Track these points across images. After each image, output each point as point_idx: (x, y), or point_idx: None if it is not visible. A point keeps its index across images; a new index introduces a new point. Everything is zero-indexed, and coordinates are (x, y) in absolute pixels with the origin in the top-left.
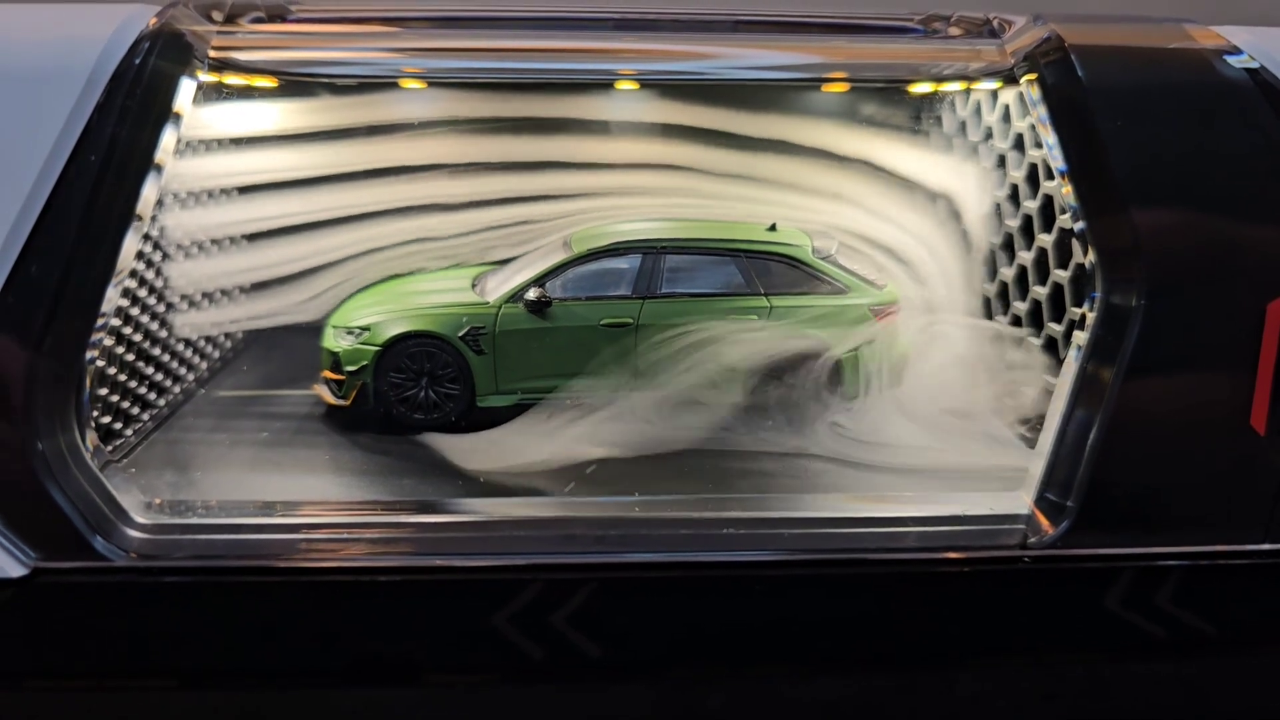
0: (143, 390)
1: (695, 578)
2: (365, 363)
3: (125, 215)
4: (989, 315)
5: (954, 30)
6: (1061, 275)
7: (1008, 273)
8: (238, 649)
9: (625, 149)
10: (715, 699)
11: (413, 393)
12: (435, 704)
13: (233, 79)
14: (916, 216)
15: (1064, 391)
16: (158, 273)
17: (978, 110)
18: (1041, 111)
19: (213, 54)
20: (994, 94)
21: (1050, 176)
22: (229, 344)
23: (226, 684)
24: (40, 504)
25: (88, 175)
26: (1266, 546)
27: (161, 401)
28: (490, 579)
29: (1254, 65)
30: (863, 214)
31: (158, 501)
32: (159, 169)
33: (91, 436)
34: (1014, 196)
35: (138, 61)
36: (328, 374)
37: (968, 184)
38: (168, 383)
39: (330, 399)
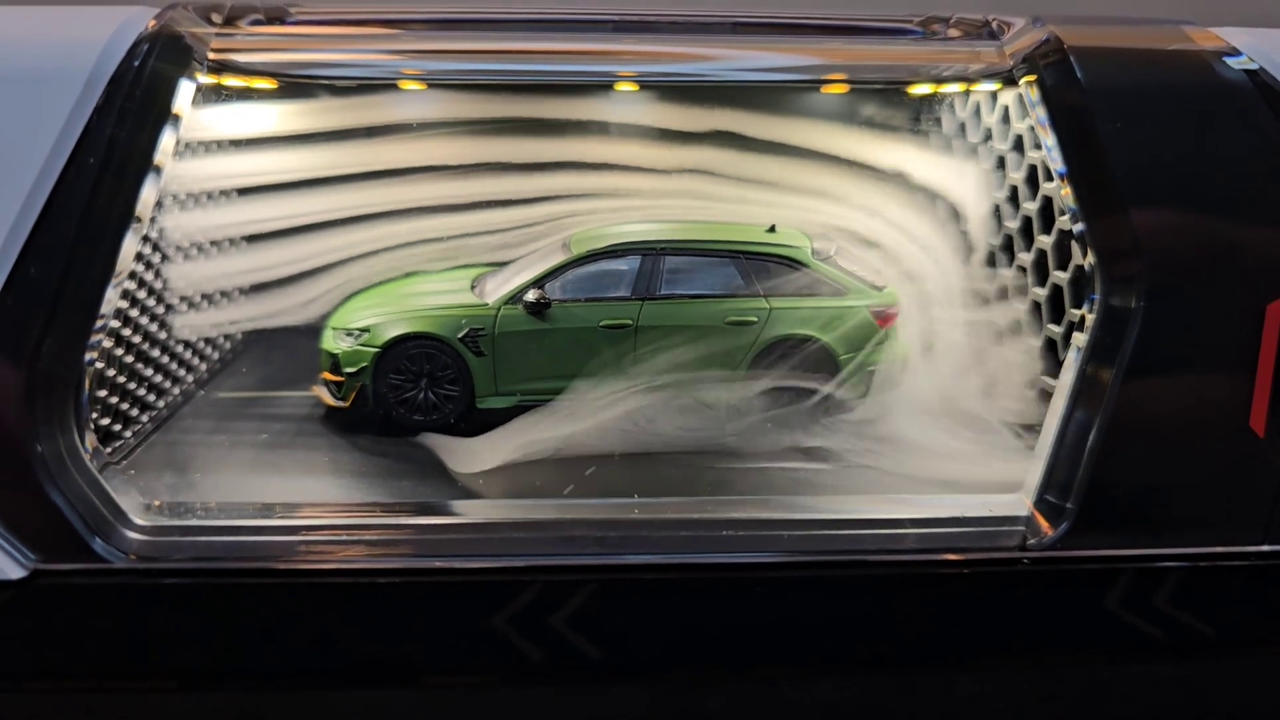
0: (142, 392)
1: (694, 579)
2: (364, 364)
3: (124, 217)
4: (988, 317)
5: (953, 32)
6: (1061, 277)
7: (1007, 274)
8: (237, 651)
9: (624, 151)
10: (715, 701)
11: (412, 394)
12: (434, 706)
13: (232, 81)
14: (916, 218)
15: (1063, 393)
16: (157, 274)
17: (977, 112)
18: (1040, 113)
19: (212, 56)
20: (993, 96)
21: (1049, 178)
22: (228, 345)
23: (226, 685)
24: (39, 506)
25: (87, 177)
26: (1266, 548)
27: (161, 403)
28: (489, 581)
29: (1253, 67)
30: (862, 215)
31: (157, 503)
32: (158, 170)
33: (90, 438)
34: (1013, 198)
35: (137, 63)
36: (327, 375)
37: (967, 186)
38: (167, 384)
39: (329, 400)
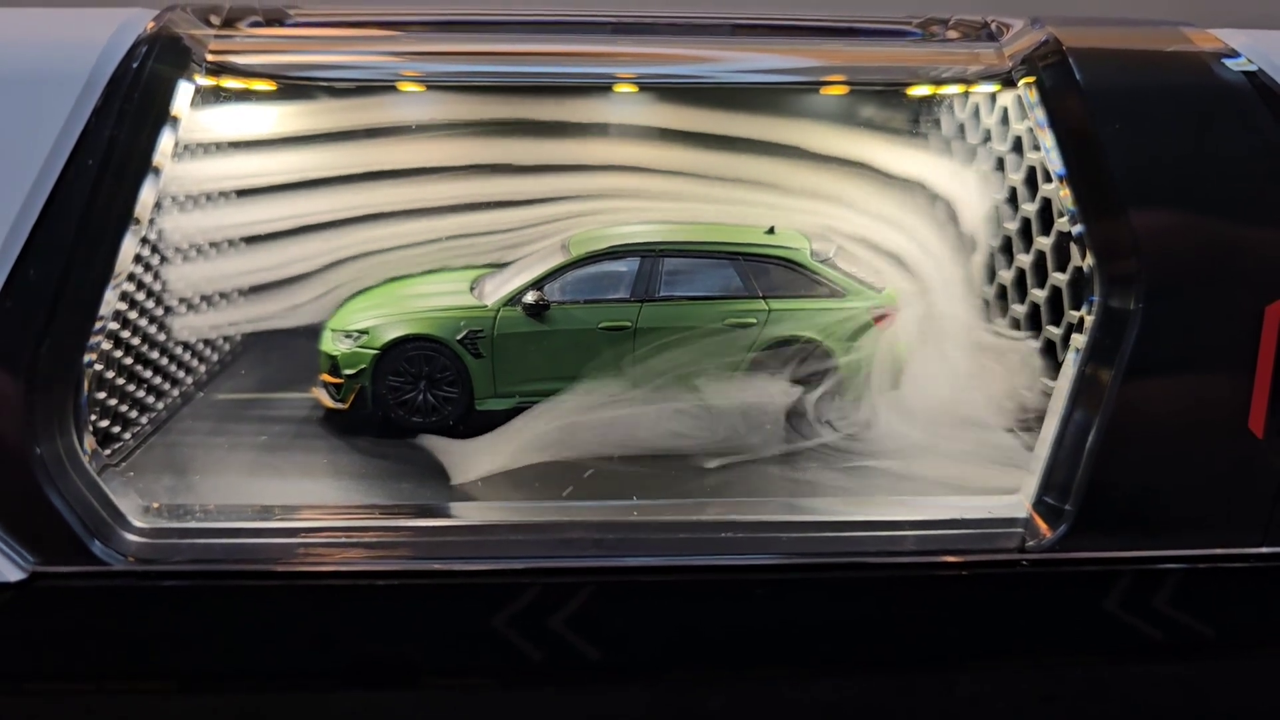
0: (141, 394)
1: (694, 581)
2: (363, 366)
3: (123, 218)
4: (987, 318)
5: (952, 33)
6: (1060, 278)
7: (1006, 275)
8: (236, 653)
9: (624, 152)
10: (714, 702)
11: (411, 396)
12: (433, 707)
13: (230, 82)
14: (915, 219)
15: (1062, 395)
16: (156, 276)
17: (976, 113)
18: (1039, 114)
19: (210, 58)
20: (992, 97)
21: (1048, 179)
22: (227, 347)
23: (225, 687)
24: (38, 508)
25: (86, 178)
26: (1265, 550)
27: (160, 405)
28: (489, 583)
29: (1252, 68)
30: (861, 217)
31: (156, 505)
32: (157, 172)
33: (89, 440)
34: (1012, 199)
35: (136, 65)
36: (326, 377)
37: (966, 187)
38: (166, 386)
39: (328, 402)
